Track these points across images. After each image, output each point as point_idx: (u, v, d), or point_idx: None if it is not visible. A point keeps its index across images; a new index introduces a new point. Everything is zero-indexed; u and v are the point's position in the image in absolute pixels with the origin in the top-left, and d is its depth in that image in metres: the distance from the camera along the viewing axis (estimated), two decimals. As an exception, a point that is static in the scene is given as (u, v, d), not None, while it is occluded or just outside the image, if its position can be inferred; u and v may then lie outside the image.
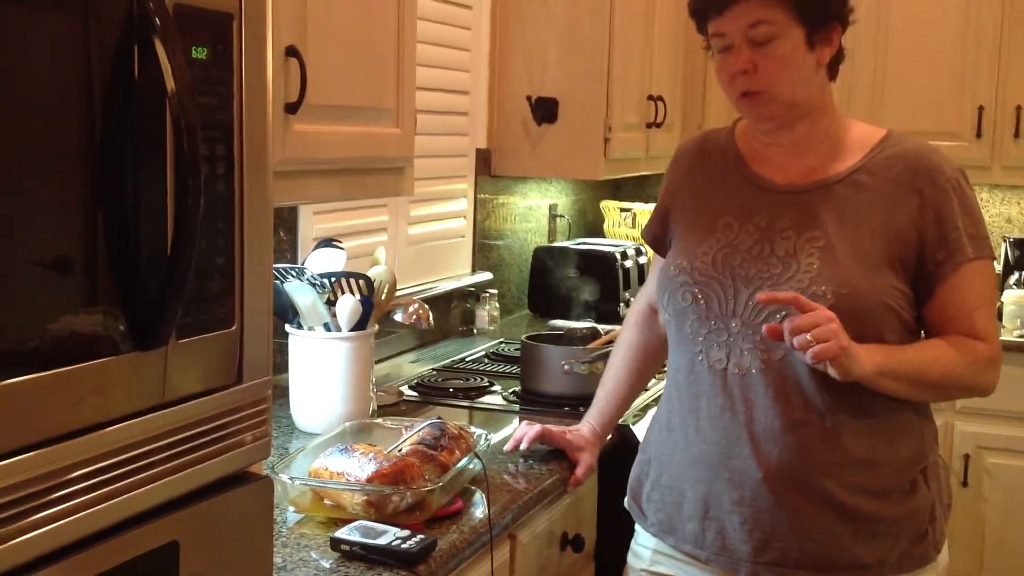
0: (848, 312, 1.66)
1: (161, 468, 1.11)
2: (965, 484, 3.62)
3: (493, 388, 2.68)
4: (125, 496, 1.07)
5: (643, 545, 1.93)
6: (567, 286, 3.60)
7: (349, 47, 1.97)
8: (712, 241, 1.82)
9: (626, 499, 1.98)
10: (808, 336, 1.60)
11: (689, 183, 1.93)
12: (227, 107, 1.17)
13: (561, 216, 3.97)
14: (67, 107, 1.02)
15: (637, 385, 2.14)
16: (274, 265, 2.22)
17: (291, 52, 1.79)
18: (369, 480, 1.75)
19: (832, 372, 1.64)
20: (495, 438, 2.21)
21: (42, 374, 0.98)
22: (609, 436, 2.22)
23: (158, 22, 1.04)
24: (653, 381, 2.67)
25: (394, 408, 2.48)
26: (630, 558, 1.97)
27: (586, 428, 2.14)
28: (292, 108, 1.81)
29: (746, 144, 1.87)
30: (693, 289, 1.80)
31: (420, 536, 1.66)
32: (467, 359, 3.01)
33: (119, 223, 1.06)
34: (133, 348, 1.07)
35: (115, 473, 1.06)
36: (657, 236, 1.98)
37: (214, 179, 1.16)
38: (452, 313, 3.32)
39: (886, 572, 1.75)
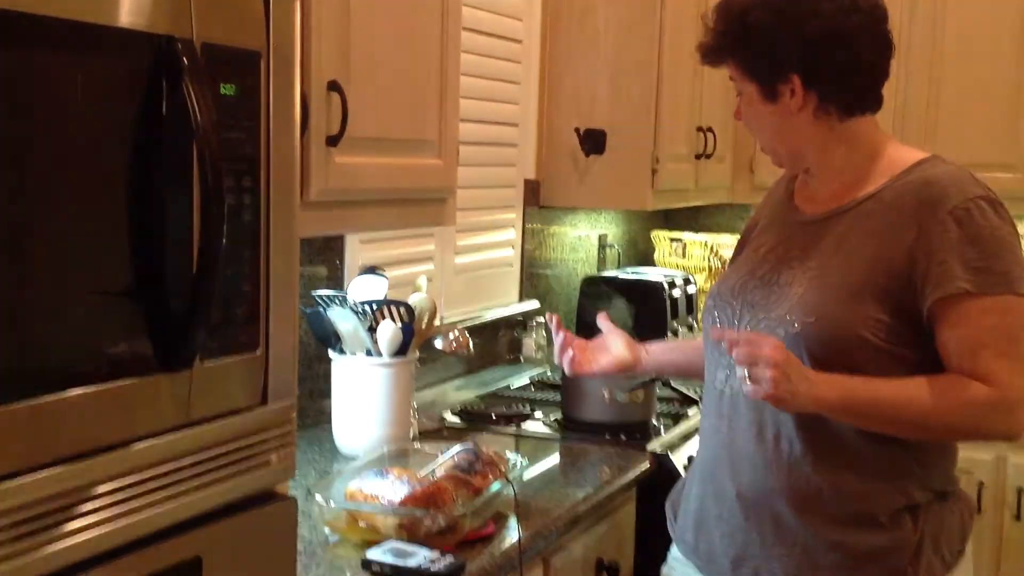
0: (815, 340, 1.68)
1: (185, 486, 1.17)
2: (1018, 518, 3.56)
3: (535, 415, 2.71)
4: (149, 512, 1.12)
5: (670, 552, 2.01)
6: (615, 315, 3.60)
7: (391, 81, 2.03)
8: (740, 267, 1.89)
9: (667, 500, 2.02)
10: (744, 372, 1.64)
11: (760, 217, 1.99)
12: (254, 141, 1.23)
13: (611, 246, 4.00)
14: (101, 142, 1.08)
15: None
16: (317, 292, 2.29)
17: (333, 87, 1.85)
18: (402, 503, 1.79)
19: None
20: (531, 467, 2.24)
21: (69, 393, 1.04)
22: (651, 369, 2.20)
23: (186, 62, 1.11)
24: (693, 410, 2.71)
25: (435, 433, 2.52)
26: (664, 566, 2.03)
27: (635, 347, 2.12)
28: (333, 140, 1.86)
29: (800, 176, 1.91)
30: (714, 313, 1.88)
31: (450, 558, 1.70)
32: (512, 386, 3.05)
33: (148, 251, 1.12)
34: (159, 370, 1.13)
35: (140, 490, 1.11)
36: None
37: (240, 210, 1.22)
38: (499, 341, 3.36)
39: None
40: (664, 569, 2.01)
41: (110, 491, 1.09)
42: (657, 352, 2.15)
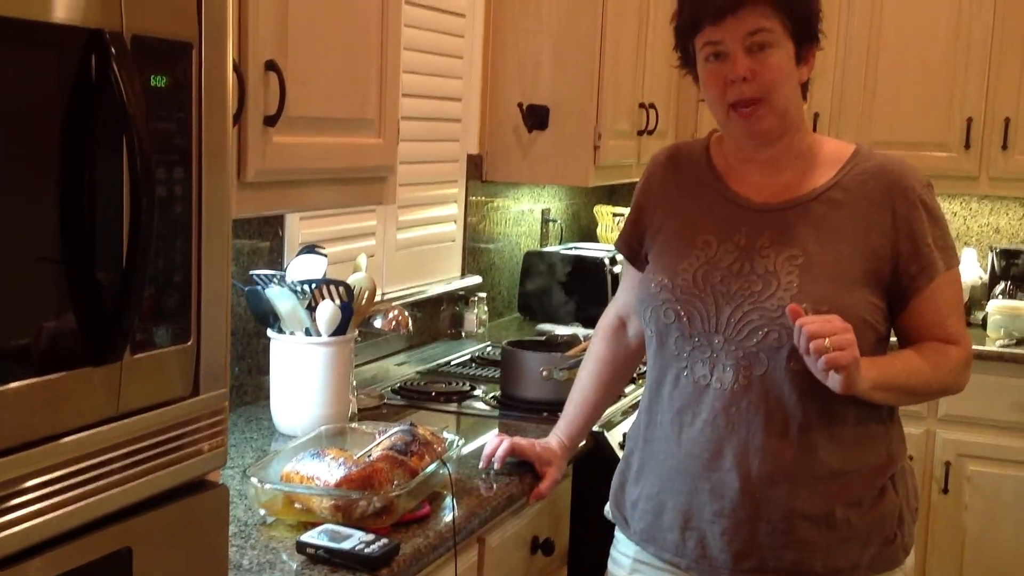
0: None
1: (115, 477, 1.17)
2: (946, 491, 3.66)
3: (475, 392, 2.73)
4: (78, 505, 1.12)
5: (623, 553, 1.97)
6: (556, 290, 3.65)
7: (330, 60, 2.02)
8: (692, 259, 1.85)
9: (607, 506, 2.02)
10: (827, 342, 1.63)
11: (663, 197, 1.95)
12: (186, 132, 1.23)
13: (554, 220, 4.02)
14: (31, 134, 1.08)
15: (605, 398, 2.16)
16: (256, 272, 2.29)
17: (270, 66, 1.84)
18: (337, 485, 1.80)
19: (834, 383, 1.66)
20: (469, 444, 2.27)
21: (-2, 388, 1.04)
22: (581, 444, 2.25)
23: (114, 51, 1.10)
24: (631, 388, 2.73)
25: (375, 411, 2.53)
26: (610, 565, 2.00)
27: (554, 441, 2.16)
28: (271, 121, 1.85)
29: (722, 160, 1.90)
30: (676, 306, 1.83)
31: (384, 540, 1.71)
32: (453, 362, 3.06)
33: (78, 244, 1.11)
34: (87, 363, 1.12)
35: (68, 483, 1.11)
36: (634, 249, 2.01)
37: (172, 201, 1.21)
38: (441, 316, 3.38)
39: (858, 575, 1.80)
40: (615, 570, 1.98)
41: (38, 485, 1.08)
42: (572, 426, 2.17)
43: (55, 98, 1.09)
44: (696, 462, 1.82)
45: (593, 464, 2.38)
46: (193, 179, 1.25)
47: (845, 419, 1.78)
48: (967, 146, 3.82)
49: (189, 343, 1.25)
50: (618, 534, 1.99)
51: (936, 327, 1.81)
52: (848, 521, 1.78)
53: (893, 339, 1.87)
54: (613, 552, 2.00)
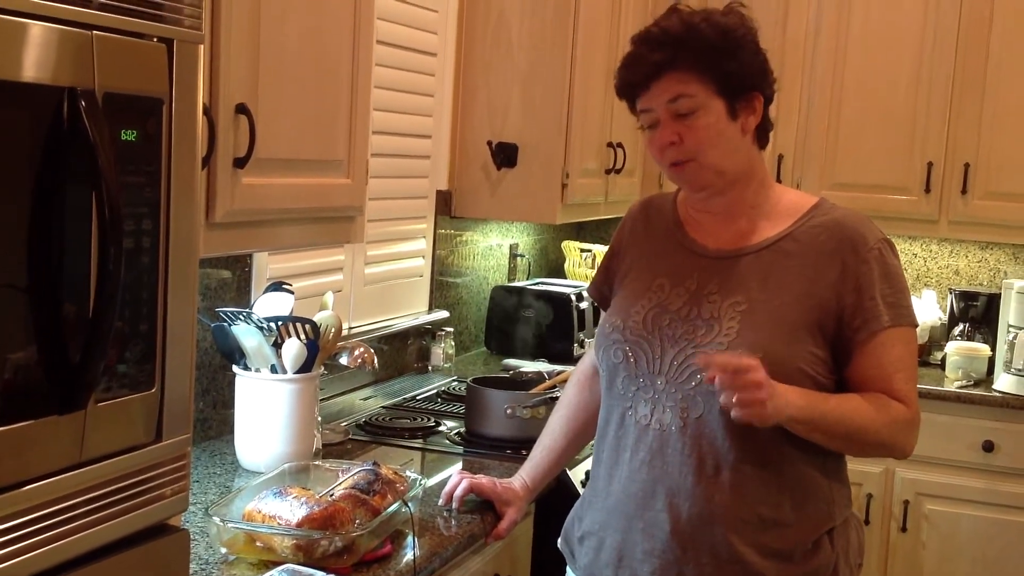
0: None
1: (77, 523, 1.19)
2: (904, 529, 3.71)
3: (439, 428, 2.76)
4: (40, 551, 1.14)
5: None
6: (523, 325, 3.68)
7: (301, 102, 2.05)
8: (644, 301, 1.90)
9: (559, 540, 2.06)
10: (733, 399, 1.67)
11: (633, 245, 2.01)
12: (155, 185, 1.26)
13: (522, 256, 4.06)
14: (2, 186, 1.10)
15: (574, 444, 2.18)
16: (222, 308, 2.31)
17: (241, 110, 1.87)
18: (299, 524, 1.82)
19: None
20: (431, 482, 2.29)
21: (-37, 438, 1.06)
22: (541, 489, 2.27)
23: (85, 110, 1.13)
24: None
25: (340, 447, 2.55)
26: None
27: (517, 482, 2.19)
28: (241, 163, 1.88)
29: (684, 210, 1.96)
30: (624, 347, 1.88)
31: (344, 581, 1.74)
32: (419, 397, 3.09)
33: (46, 295, 1.14)
34: (52, 412, 1.15)
35: (31, 529, 1.13)
36: (604, 294, 2.06)
37: (139, 252, 1.24)
38: (408, 350, 3.40)
39: None
40: None
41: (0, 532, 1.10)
42: (537, 469, 2.19)
43: (28, 153, 1.11)
44: (631, 501, 1.86)
45: (555, 501, 2.40)
46: (161, 229, 1.27)
47: (782, 469, 1.80)
48: (927, 190, 3.89)
49: (153, 390, 1.28)
50: (568, 569, 2.02)
51: (880, 382, 1.80)
52: (777, 571, 1.79)
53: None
54: None
